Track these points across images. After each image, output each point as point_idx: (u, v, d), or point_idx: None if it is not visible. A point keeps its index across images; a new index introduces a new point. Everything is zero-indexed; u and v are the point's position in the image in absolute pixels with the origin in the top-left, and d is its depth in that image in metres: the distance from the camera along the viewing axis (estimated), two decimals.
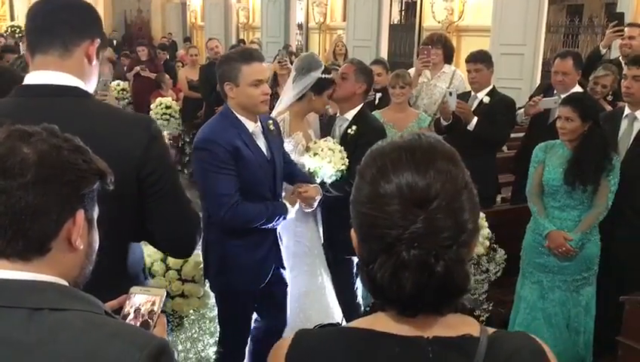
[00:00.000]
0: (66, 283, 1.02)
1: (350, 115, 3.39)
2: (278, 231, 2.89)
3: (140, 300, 1.22)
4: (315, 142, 3.09)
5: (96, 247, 1.11)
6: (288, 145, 3.12)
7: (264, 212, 2.63)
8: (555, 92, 4.26)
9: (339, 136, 3.34)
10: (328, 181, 3.10)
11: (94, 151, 1.42)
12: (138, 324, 1.18)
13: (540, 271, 3.33)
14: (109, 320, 1.02)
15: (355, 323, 1.02)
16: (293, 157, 3.11)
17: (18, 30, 15.97)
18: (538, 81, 7.98)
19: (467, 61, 4.31)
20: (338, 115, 3.49)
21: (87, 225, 1.06)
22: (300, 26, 13.37)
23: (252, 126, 2.65)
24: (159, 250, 2.16)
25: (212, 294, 3.10)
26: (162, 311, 1.24)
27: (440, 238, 0.88)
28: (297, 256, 3.03)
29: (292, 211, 2.78)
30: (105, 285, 1.21)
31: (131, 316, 1.20)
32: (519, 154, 4.49)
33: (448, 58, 5.07)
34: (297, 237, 3.10)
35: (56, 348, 0.91)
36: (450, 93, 4.10)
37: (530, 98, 4.58)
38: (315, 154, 2.98)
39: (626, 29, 4.80)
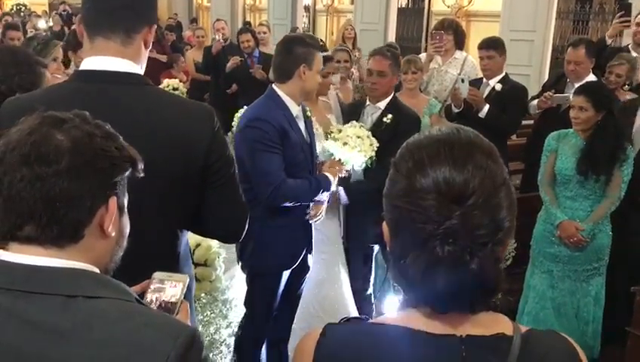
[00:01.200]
0: (98, 271, 1.03)
1: (383, 103, 3.37)
2: None
3: (163, 286, 1.22)
4: (340, 130, 3.05)
5: (127, 233, 1.12)
6: None
7: (308, 187, 2.69)
8: (568, 81, 4.23)
9: (371, 124, 3.31)
10: (358, 169, 3.08)
11: (163, 139, 1.43)
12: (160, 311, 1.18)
13: (551, 261, 3.33)
14: (141, 308, 1.03)
15: (385, 319, 1.01)
16: None
17: (24, 8, 15.89)
18: (547, 68, 7.93)
19: (480, 48, 4.27)
20: (368, 103, 3.46)
21: (119, 212, 1.06)
22: (307, 9, 13.24)
23: (296, 109, 2.72)
24: (208, 237, 2.22)
25: (223, 277, 3.12)
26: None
27: (476, 235, 0.87)
28: (315, 245, 3.04)
29: (334, 182, 2.83)
30: (164, 268, 1.26)
31: (154, 303, 1.20)
32: (530, 142, 4.47)
33: (459, 44, 5.03)
34: (316, 226, 3.11)
35: (91, 336, 0.92)
36: (462, 80, 4.07)
37: (543, 87, 4.55)
38: (345, 143, 2.95)
39: (638, 17, 4.76)
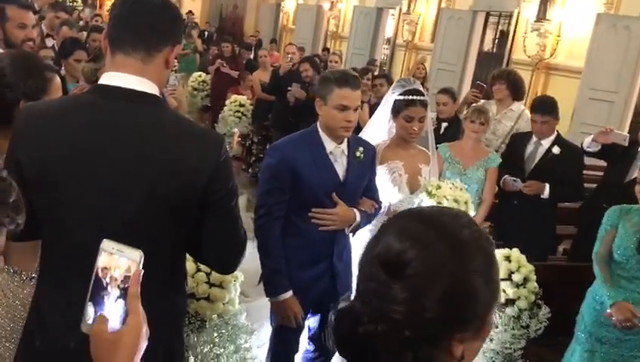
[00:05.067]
0: None
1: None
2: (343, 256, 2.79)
3: (115, 263, 1.04)
4: (440, 187, 2.91)
5: None
6: (380, 171, 3.02)
7: (272, 261, 2.62)
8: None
9: None
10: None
11: (165, 162, 1.50)
12: (116, 293, 1.03)
13: (596, 341, 3.05)
14: None
15: None
16: (389, 184, 3.03)
17: None
18: (626, 131, 7.54)
19: (534, 111, 4.11)
20: None
21: None
22: (387, 41, 13.28)
23: (331, 146, 2.63)
24: (202, 263, 2.22)
25: (237, 301, 3.05)
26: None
27: (388, 307, 0.86)
28: None
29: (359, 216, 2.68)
30: (162, 290, 1.37)
31: (105, 280, 1.03)
32: (585, 208, 4.24)
33: (516, 95, 4.83)
34: None
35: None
36: (515, 180, 4.02)
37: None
38: (439, 202, 2.82)
39: None
